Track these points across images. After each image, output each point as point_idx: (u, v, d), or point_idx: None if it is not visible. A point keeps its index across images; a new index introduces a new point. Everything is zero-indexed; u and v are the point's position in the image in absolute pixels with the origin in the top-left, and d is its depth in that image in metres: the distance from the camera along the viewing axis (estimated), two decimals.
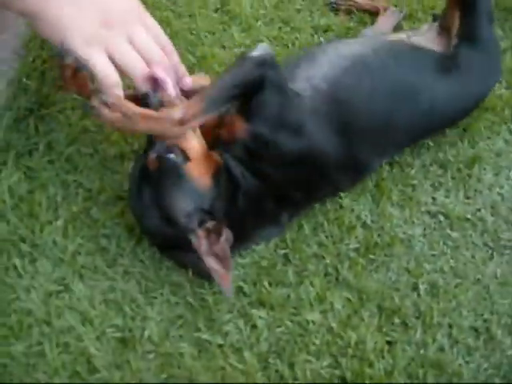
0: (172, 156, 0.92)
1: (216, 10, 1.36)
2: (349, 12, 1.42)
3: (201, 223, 0.91)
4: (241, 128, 0.96)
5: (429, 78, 1.11)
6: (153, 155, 0.92)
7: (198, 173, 0.93)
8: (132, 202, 0.97)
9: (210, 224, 0.91)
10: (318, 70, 1.04)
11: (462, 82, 1.13)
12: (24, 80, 1.14)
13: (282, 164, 0.97)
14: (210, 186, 0.94)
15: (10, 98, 1.13)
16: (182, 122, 0.89)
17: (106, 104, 0.88)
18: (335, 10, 1.42)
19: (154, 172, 0.92)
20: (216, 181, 0.95)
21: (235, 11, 1.35)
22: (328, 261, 1.01)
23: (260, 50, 0.96)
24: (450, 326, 0.97)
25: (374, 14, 1.41)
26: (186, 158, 0.93)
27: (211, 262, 0.88)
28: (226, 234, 0.90)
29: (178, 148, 0.92)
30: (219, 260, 0.88)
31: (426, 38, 1.23)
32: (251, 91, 0.94)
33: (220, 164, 0.96)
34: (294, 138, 0.97)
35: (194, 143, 0.95)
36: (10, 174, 1.05)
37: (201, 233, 0.90)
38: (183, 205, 0.92)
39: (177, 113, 0.89)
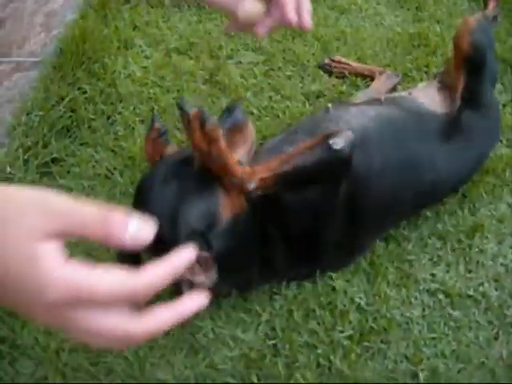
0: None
1: (205, 82, 1.35)
2: (341, 75, 1.39)
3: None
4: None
5: (431, 146, 1.06)
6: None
7: (227, 206, 0.89)
8: (150, 186, 0.89)
9: (202, 253, 0.85)
10: None
11: (463, 147, 1.09)
12: (8, 169, 1.13)
13: (284, 222, 0.94)
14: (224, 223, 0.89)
15: None
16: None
17: (203, 124, 0.84)
18: (328, 72, 1.40)
19: (192, 172, 0.89)
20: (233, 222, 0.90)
21: (224, 82, 1.34)
22: (320, 350, 0.96)
23: (344, 138, 0.89)
24: None
25: (367, 77, 1.38)
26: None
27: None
28: (211, 273, 0.84)
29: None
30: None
31: (426, 95, 1.19)
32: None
33: (243, 209, 0.91)
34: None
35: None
36: None
37: None
38: (195, 221, 0.86)
39: (251, 185, 0.87)
